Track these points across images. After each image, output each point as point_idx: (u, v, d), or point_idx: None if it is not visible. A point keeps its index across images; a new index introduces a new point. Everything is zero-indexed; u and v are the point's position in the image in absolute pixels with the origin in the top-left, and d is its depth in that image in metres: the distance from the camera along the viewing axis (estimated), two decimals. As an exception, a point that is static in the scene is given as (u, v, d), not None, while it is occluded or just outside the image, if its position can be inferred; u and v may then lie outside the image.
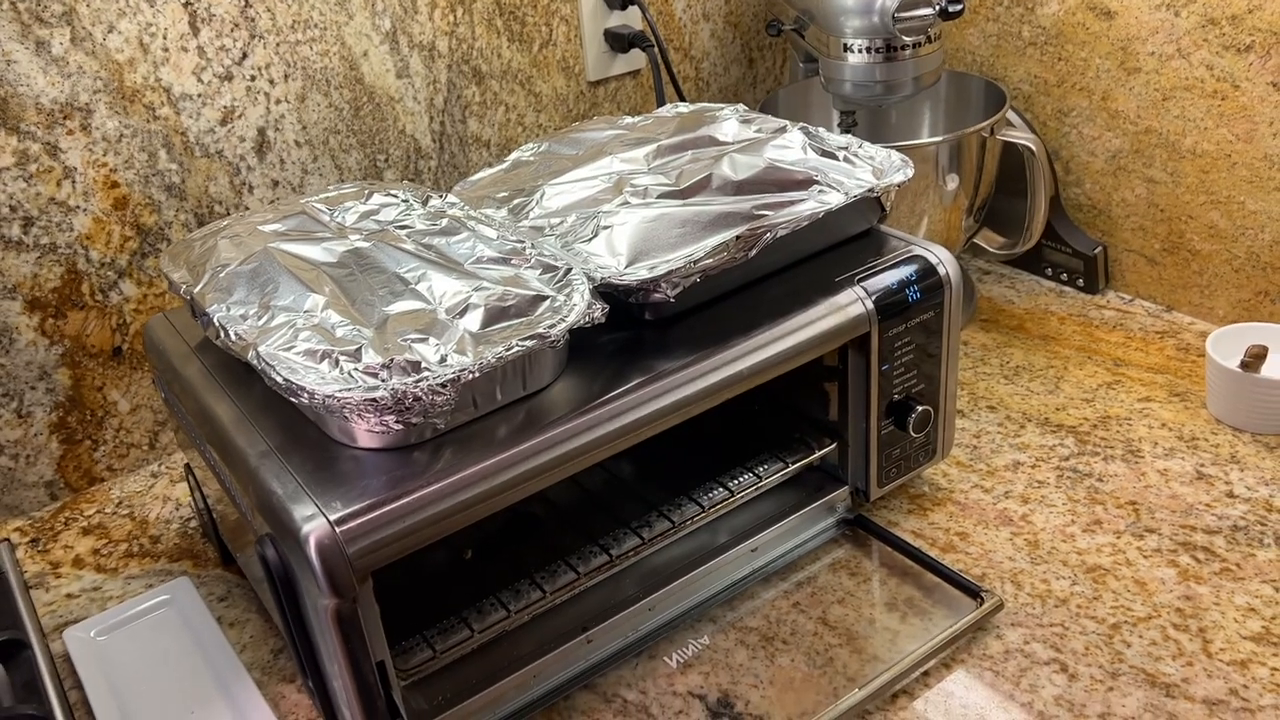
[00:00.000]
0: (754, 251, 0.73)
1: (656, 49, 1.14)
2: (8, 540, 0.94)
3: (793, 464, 0.81)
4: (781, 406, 0.86)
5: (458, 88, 1.10)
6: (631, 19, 1.18)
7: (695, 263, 0.70)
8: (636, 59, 1.21)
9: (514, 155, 0.92)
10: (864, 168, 0.81)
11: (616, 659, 0.75)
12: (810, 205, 0.75)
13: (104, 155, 0.92)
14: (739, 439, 0.85)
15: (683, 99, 1.14)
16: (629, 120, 0.95)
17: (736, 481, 0.80)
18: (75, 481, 1.00)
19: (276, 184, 1.02)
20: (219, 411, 0.71)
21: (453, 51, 1.08)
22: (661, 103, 1.13)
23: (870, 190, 0.77)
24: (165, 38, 0.92)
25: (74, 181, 0.91)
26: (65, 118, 0.89)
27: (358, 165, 1.07)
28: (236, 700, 0.74)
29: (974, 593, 0.76)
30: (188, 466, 0.87)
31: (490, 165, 0.91)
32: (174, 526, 0.94)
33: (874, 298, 0.77)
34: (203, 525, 0.91)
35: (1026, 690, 0.70)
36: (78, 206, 0.92)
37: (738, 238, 0.72)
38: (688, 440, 0.82)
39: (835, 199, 0.76)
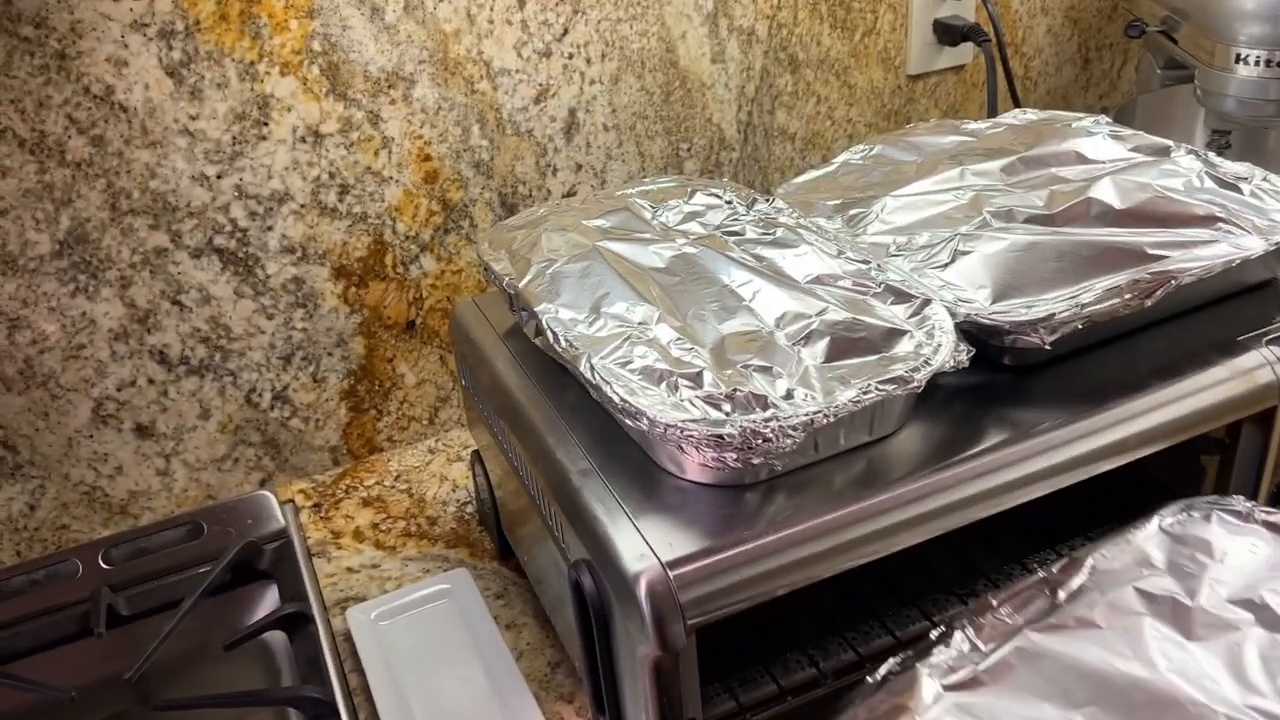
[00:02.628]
0: (1151, 301, 0.62)
1: (995, 44, 1.03)
2: (293, 502, 0.95)
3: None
4: (1137, 473, 0.74)
5: (771, 75, 1.03)
6: (964, 9, 1.07)
7: (1082, 307, 0.60)
8: (963, 53, 1.10)
9: (841, 158, 0.84)
10: (1275, 205, 0.69)
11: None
12: (1223, 249, 0.63)
13: (421, 127, 0.90)
14: (1078, 501, 0.74)
15: (1016, 102, 1.03)
16: (973, 126, 0.85)
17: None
18: (357, 449, 1.00)
19: (580, 167, 0.98)
20: (532, 414, 0.67)
21: (771, 37, 1.01)
22: (994, 104, 1.02)
23: (1293, 236, 0.65)
24: (492, 9, 0.89)
25: (390, 152, 0.90)
26: (390, 87, 0.88)
27: (660, 153, 1.01)
28: (515, 715, 0.71)
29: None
30: (475, 453, 0.85)
31: (803, 161, 0.84)
32: (450, 510, 0.93)
33: (1286, 364, 0.64)
34: (481, 514, 0.89)
35: None
36: (391, 177, 0.91)
37: (1135, 281, 0.61)
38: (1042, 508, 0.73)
39: (1254, 244, 0.64)
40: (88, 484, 0.90)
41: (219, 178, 0.85)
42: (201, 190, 0.85)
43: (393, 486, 0.96)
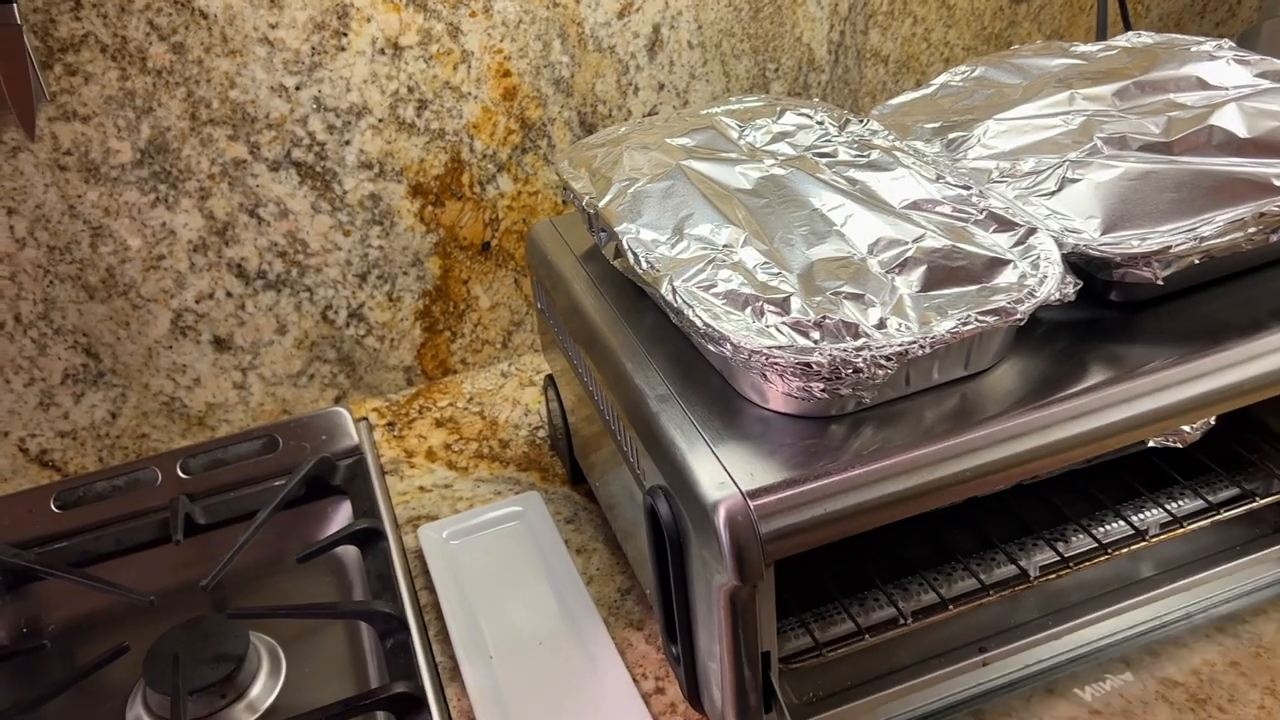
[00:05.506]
0: (1278, 236, 0.58)
1: (1108, -37, 0.96)
2: (366, 420, 0.95)
3: (1258, 497, 0.66)
4: (1243, 420, 0.70)
5: (866, -7, 0.98)
6: (1076, -75, 1.01)
7: (1202, 240, 0.56)
8: (1071, -27, 1.04)
9: (940, 79, 0.80)
10: None
11: (1011, 688, 0.64)
12: (1361, 182, 0.59)
13: (501, 41, 0.88)
14: (1193, 457, 0.71)
15: (1128, 25, 0.96)
16: (1083, 49, 0.80)
17: (1177, 504, 0.67)
18: (431, 370, 1.00)
19: (662, 87, 0.95)
20: (610, 338, 0.65)
21: (868, -49, 0.96)
22: (1104, 27, 0.96)
23: None
24: (577, -82, 0.86)
25: (470, 66, 0.88)
26: (471, -1, 0.85)
27: (746, 73, 0.98)
28: (585, 639, 0.71)
29: None
30: (549, 378, 0.83)
31: (895, 85, 0.80)
32: (522, 433, 0.92)
33: None
34: (554, 437, 0.88)
35: None
36: (469, 93, 0.89)
37: (1261, 214, 0.57)
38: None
39: (1396, 178, 0.59)
40: (167, 394, 0.91)
41: (298, 89, 0.84)
42: (280, 101, 0.84)
43: (465, 408, 0.96)
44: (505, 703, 0.67)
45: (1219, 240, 0.56)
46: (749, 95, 0.81)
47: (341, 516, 0.85)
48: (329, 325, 0.94)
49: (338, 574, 0.81)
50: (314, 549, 0.78)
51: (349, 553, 0.82)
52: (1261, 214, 0.57)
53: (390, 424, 0.95)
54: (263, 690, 0.72)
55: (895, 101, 0.79)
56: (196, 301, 0.88)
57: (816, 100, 0.78)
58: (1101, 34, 0.96)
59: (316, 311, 0.93)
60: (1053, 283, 0.55)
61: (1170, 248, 0.56)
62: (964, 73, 0.80)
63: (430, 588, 0.77)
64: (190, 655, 0.71)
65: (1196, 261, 0.57)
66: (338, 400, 0.97)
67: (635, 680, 0.67)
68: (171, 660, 0.70)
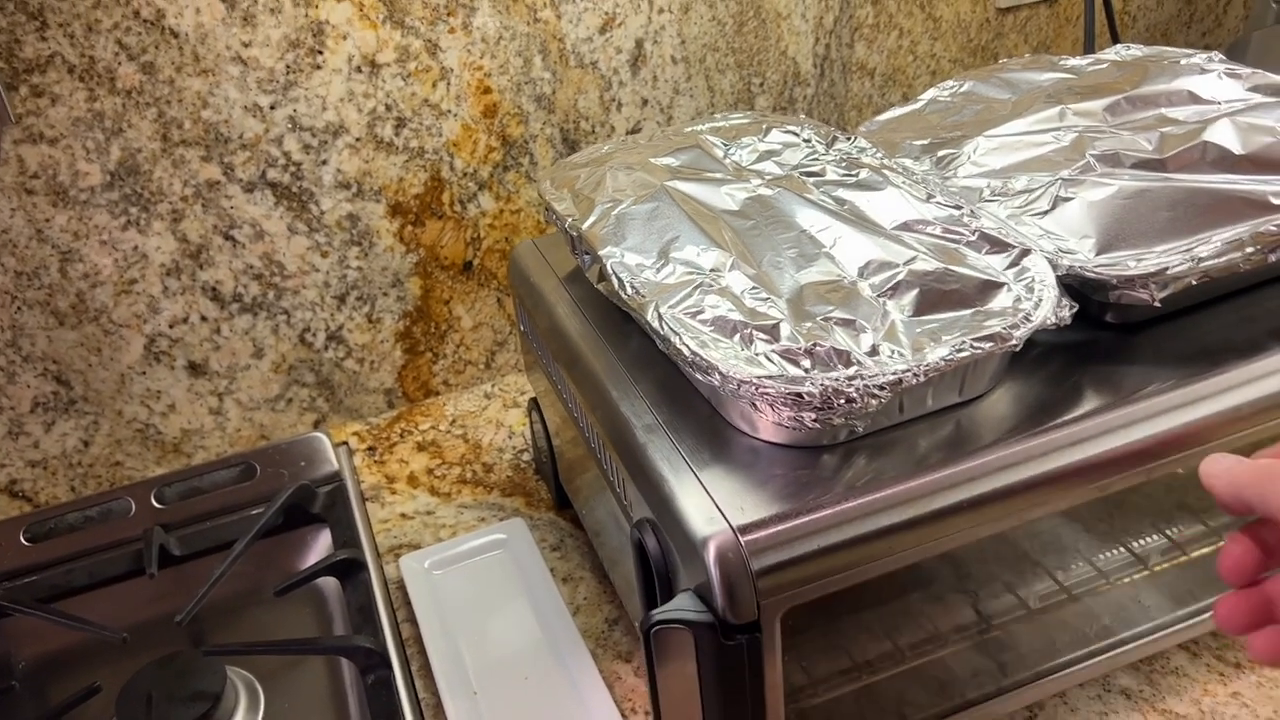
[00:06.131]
0: (1277, 255, 0.56)
1: (1094, -26, 0.96)
2: (346, 445, 0.93)
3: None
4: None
5: (851, 5, 0.97)
6: (1062, -64, 1.00)
7: (1199, 261, 0.55)
8: (1057, -16, 1.03)
9: (928, 94, 0.79)
10: None
11: (1010, 720, 0.63)
12: (1360, 200, 0.57)
13: (480, 58, 0.86)
14: (1192, 483, 0.69)
15: (1116, 38, 0.96)
16: (1072, 62, 0.79)
17: (1177, 529, 0.66)
18: (412, 393, 0.98)
19: (646, 102, 0.93)
20: (594, 364, 0.63)
21: (852, -36, 0.95)
22: (1091, 39, 0.95)
23: None
24: (557, -67, 0.84)
25: (449, 83, 0.86)
26: (449, 14, 0.83)
27: (730, 88, 0.96)
28: (571, 672, 0.69)
29: None
30: (533, 401, 0.82)
31: (881, 99, 0.78)
32: (506, 457, 0.90)
33: None
34: (538, 461, 0.86)
35: None
36: (449, 111, 0.87)
37: (1259, 233, 0.56)
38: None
39: (1395, 195, 0.58)
40: (140, 421, 0.89)
41: (272, 108, 0.82)
42: (254, 121, 0.82)
43: (448, 431, 0.94)
44: (490, 741, 0.65)
45: (1216, 261, 0.55)
46: (734, 112, 0.80)
47: (321, 545, 0.83)
48: (307, 348, 0.92)
49: (318, 606, 0.79)
50: (293, 581, 0.76)
51: (329, 583, 0.79)
52: (1259, 233, 0.56)
53: (371, 448, 0.93)
54: (240, 729, 0.70)
55: (882, 118, 0.77)
56: (170, 326, 0.86)
57: (803, 117, 0.77)
58: (1089, 46, 0.95)
59: (294, 334, 0.91)
60: (1048, 306, 0.53)
61: (1167, 269, 0.55)
62: (952, 88, 0.78)
63: (412, 619, 0.75)
64: (164, 694, 0.68)
65: (1194, 282, 0.56)
66: (317, 424, 0.95)
67: (624, 715, 0.66)
68: (145, 700, 0.68)
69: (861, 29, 0.98)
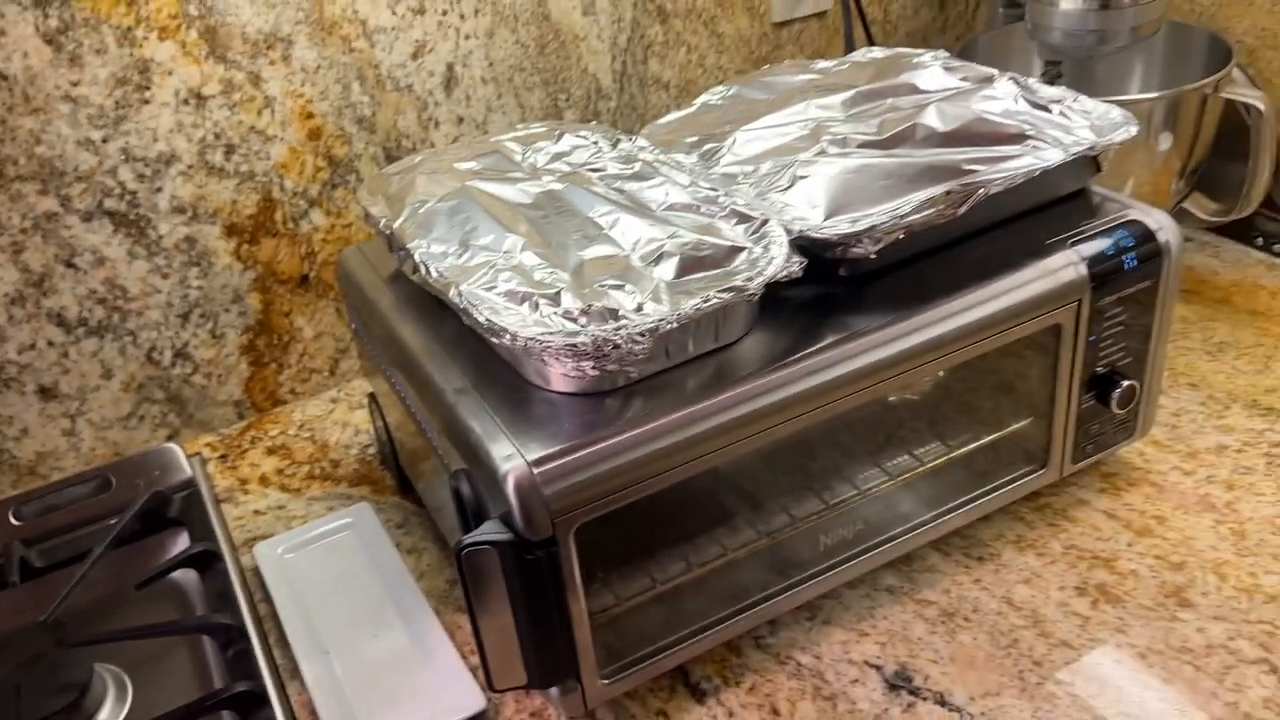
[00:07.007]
0: (964, 208, 0.69)
1: (848, -10, 1.09)
2: (199, 454, 0.99)
3: (983, 435, 0.78)
4: (973, 373, 0.82)
5: (641, 26, 1.08)
6: (822, -42, 1.13)
7: (901, 218, 0.67)
8: None
9: (702, 99, 0.90)
10: (1080, 123, 0.76)
11: (790, 621, 0.74)
12: (1026, 161, 0.70)
13: (302, 86, 0.94)
14: (928, 408, 0.81)
15: (872, 43, 1.09)
16: (823, 64, 0.91)
17: (924, 449, 0.78)
18: (261, 402, 1.04)
19: (461, 120, 1.02)
20: (413, 345, 0.72)
21: (639, -11, 1.06)
22: (850, 46, 1.09)
23: (1090, 148, 0.72)
24: (364, -30, 0.93)
25: (273, 111, 0.93)
26: (269, 48, 0.91)
27: (539, 104, 1.06)
28: (415, 625, 0.76)
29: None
30: (371, 396, 0.89)
31: (673, 107, 0.89)
32: (353, 452, 0.97)
33: (1088, 262, 0.72)
34: (382, 453, 0.93)
35: (1232, 689, 0.66)
36: (275, 136, 0.94)
37: (948, 193, 0.68)
38: (878, 409, 0.79)
39: (1054, 156, 0.71)
40: (-7, 446, 0.93)
41: (104, 141, 0.88)
42: (88, 154, 0.87)
43: (297, 435, 1.00)
44: (343, 691, 0.72)
45: (916, 216, 0.67)
46: (535, 123, 0.89)
47: (180, 546, 0.88)
48: (155, 366, 0.97)
49: (179, 600, 0.84)
50: (153, 574, 0.81)
51: (189, 578, 0.85)
52: (948, 193, 0.68)
53: (223, 456, 0.99)
54: (109, 717, 0.75)
55: (663, 121, 0.88)
56: (19, 353, 0.91)
57: (593, 124, 0.87)
58: (848, 51, 1.08)
59: (141, 354, 0.96)
60: (779, 262, 0.64)
61: (877, 226, 0.67)
62: (721, 92, 0.90)
63: (269, 600, 0.81)
64: (32, 688, 0.73)
65: (901, 236, 0.68)
66: (170, 439, 1.00)
67: (464, 657, 0.74)
68: (13, 692, 0.72)
69: (653, 46, 1.10)
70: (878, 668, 0.70)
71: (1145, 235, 0.75)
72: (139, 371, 0.96)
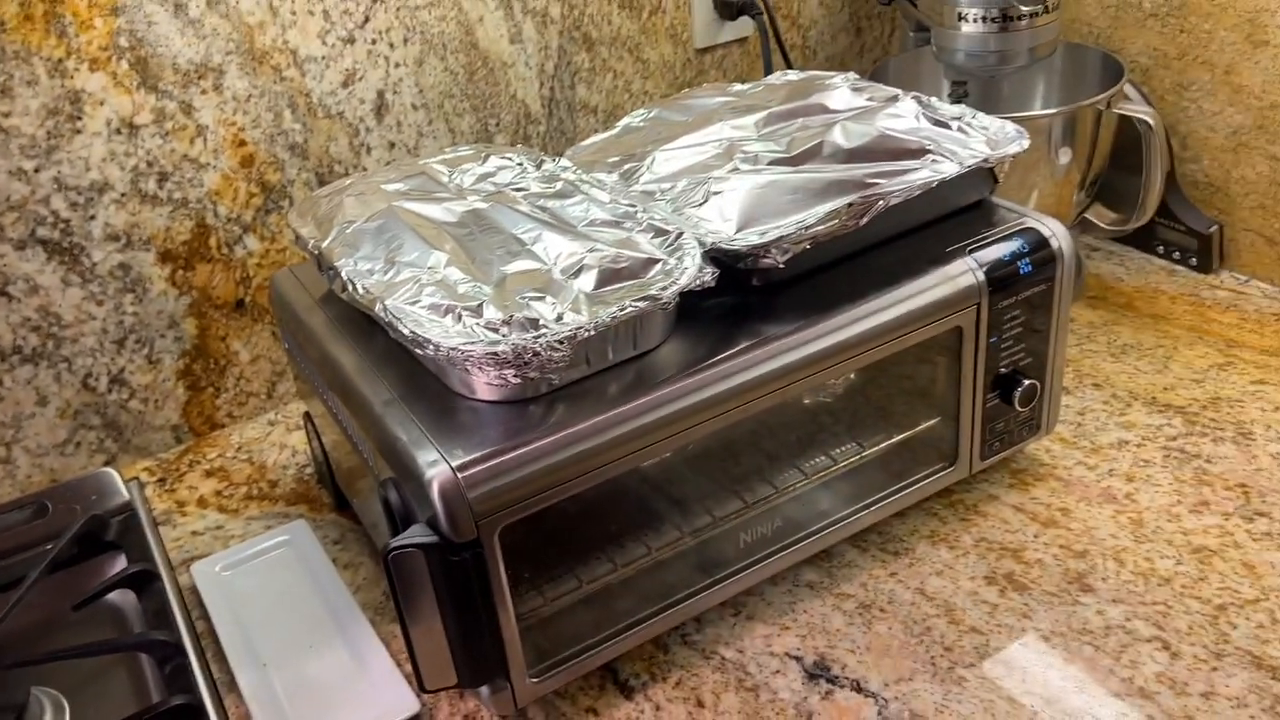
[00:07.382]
0: (865, 219, 0.73)
1: (766, 16, 1.14)
2: (137, 479, 1.00)
3: (895, 435, 0.82)
4: (884, 376, 0.86)
5: (568, 54, 1.12)
6: (741, -14, 1.18)
7: (806, 229, 0.71)
8: (744, 26, 1.21)
9: (624, 121, 0.94)
10: (978, 138, 0.80)
11: (715, 618, 0.76)
12: (924, 174, 0.75)
13: (233, 114, 0.96)
14: (843, 411, 0.85)
15: (790, 67, 1.14)
16: (739, 87, 0.95)
17: (840, 450, 0.81)
18: (198, 426, 1.05)
19: (393, 145, 1.05)
20: (343, 361, 0.74)
21: (564, 18, 1.10)
22: (769, 70, 1.13)
23: (984, 160, 0.77)
24: (294, 1, 0.95)
25: (205, 139, 0.95)
26: (200, 78, 0.93)
27: (470, 129, 1.09)
28: (351, 637, 0.78)
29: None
30: (307, 415, 0.91)
31: (601, 131, 0.93)
32: (290, 472, 0.99)
33: (985, 269, 0.76)
34: (319, 472, 0.95)
35: (1127, 666, 0.70)
36: (208, 164, 0.96)
37: (850, 205, 0.72)
38: (795, 412, 0.83)
39: (949, 168, 0.75)
40: (-73, 475, 0.93)
41: (36, 171, 0.89)
42: (20, 184, 0.89)
43: (234, 457, 1.02)
44: (280, 702, 0.73)
45: (820, 228, 0.71)
46: (463, 146, 0.92)
47: (118, 569, 0.89)
48: (91, 393, 0.98)
49: (117, 621, 0.85)
50: (89, 595, 0.82)
51: (127, 599, 0.85)
52: (850, 205, 0.72)
53: (161, 479, 1.00)
54: (47, 738, 0.76)
55: (587, 143, 0.91)
56: (-50, 382, 0.91)
57: (520, 146, 0.90)
58: (767, 74, 1.13)
59: (76, 380, 0.97)
60: (691, 272, 0.68)
61: (784, 237, 0.70)
62: (643, 114, 0.94)
63: (206, 617, 0.82)
64: (-32, 712, 0.74)
65: (808, 246, 0.72)
66: (107, 464, 1.01)
67: (399, 664, 0.75)
68: (-52, 716, 0.73)
69: (580, 73, 1.13)
70: (798, 659, 0.73)
71: (1040, 242, 0.79)
72: (75, 398, 0.97)
